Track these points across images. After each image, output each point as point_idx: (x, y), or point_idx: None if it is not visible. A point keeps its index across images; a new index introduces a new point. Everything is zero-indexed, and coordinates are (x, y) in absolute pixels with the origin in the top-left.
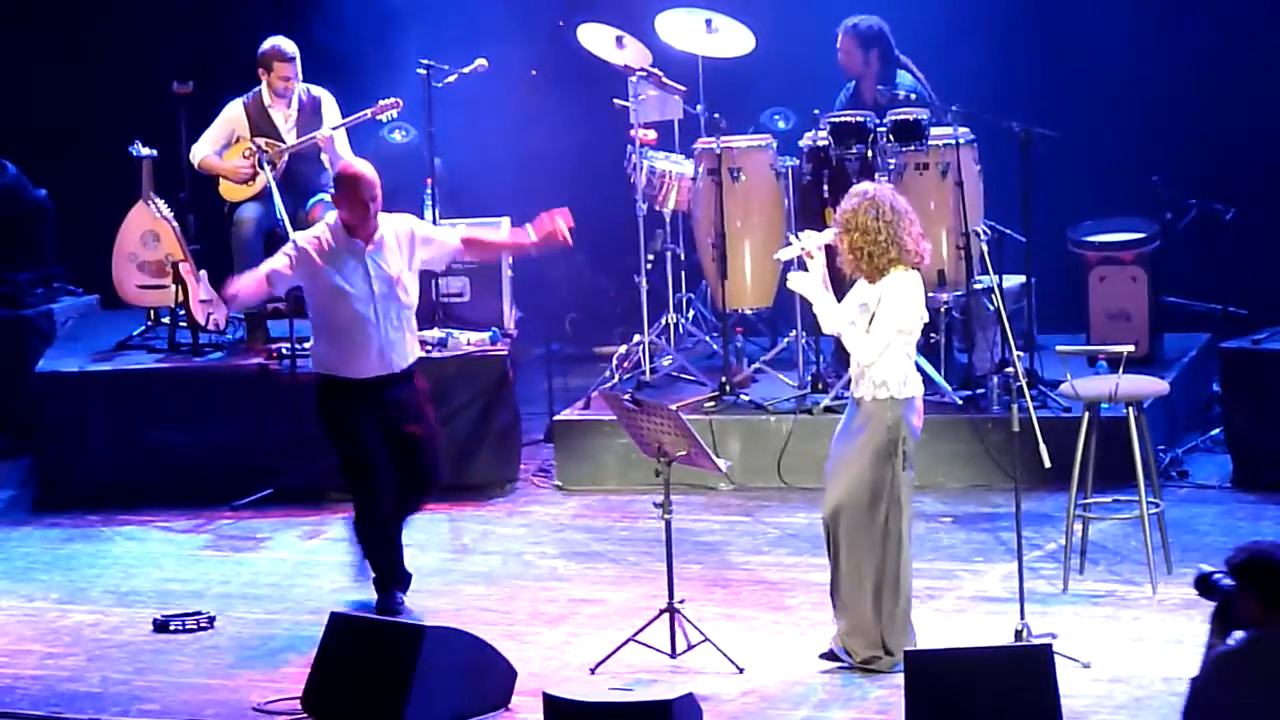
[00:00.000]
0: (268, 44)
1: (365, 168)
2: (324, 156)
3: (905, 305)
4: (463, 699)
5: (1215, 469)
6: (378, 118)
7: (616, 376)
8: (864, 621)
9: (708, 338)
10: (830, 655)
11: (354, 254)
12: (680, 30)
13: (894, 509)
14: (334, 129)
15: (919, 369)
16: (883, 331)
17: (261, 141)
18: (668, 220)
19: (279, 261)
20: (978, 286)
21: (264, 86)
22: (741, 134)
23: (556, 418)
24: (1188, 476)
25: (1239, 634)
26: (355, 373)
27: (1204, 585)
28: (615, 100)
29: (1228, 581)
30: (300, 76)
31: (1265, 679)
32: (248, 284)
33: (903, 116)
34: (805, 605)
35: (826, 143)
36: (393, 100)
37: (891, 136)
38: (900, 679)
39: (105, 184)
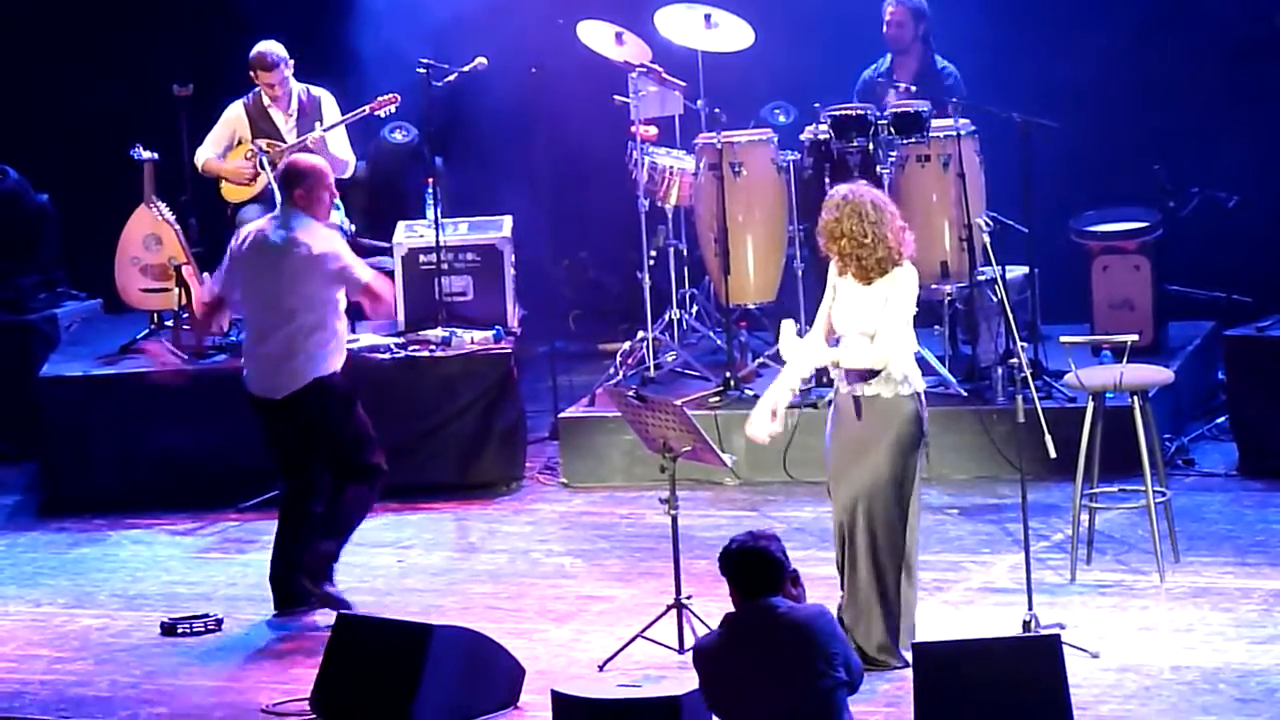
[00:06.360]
0: (253, 51)
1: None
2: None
3: (911, 299)
4: (470, 697)
5: (1221, 457)
6: (376, 113)
7: (621, 373)
8: (879, 617)
9: (711, 333)
10: None
11: None
12: (679, 26)
13: (915, 502)
14: (326, 129)
15: (921, 360)
16: (898, 328)
17: (263, 142)
18: (670, 216)
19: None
20: (981, 278)
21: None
22: (742, 129)
23: (561, 415)
24: (1194, 465)
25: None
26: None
27: None
28: (615, 96)
29: None
30: (289, 80)
31: (735, 668)
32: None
33: (903, 108)
34: (812, 599)
35: (827, 136)
36: (390, 96)
37: (892, 129)
38: (908, 672)
39: (107, 188)
